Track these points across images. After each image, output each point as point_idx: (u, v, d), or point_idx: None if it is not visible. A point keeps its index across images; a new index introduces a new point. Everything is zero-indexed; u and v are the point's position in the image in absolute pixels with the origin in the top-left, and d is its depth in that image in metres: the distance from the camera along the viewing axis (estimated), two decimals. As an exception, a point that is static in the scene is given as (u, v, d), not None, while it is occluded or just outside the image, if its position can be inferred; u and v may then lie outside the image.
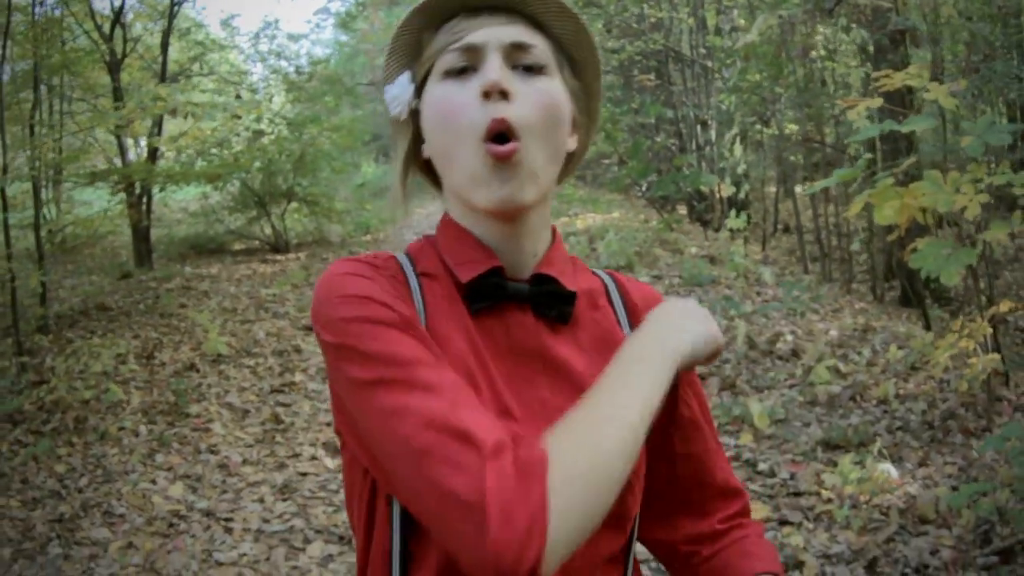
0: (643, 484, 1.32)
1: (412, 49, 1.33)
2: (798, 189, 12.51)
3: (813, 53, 10.04)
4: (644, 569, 3.98)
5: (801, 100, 10.25)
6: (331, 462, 5.96)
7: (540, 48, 1.25)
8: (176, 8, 13.34)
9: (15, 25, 9.08)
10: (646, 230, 12.87)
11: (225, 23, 19.65)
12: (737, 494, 1.47)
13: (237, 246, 15.14)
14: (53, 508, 5.26)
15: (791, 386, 6.48)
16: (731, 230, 11.42)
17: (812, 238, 11.50)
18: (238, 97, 14.99)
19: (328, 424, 6.48)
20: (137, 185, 12.22)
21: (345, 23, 28.44)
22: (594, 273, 1.44)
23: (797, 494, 4.83)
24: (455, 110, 1.21)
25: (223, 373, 7.82)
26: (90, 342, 8.20)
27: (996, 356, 5.16)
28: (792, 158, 12.15)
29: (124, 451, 6.11)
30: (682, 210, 15.27)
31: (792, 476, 5.02)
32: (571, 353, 1.28)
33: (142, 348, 8.31)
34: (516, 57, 1.23)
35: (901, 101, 6.64)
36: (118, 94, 11.95)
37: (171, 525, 5.10)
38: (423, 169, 1.39)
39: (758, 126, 12.53)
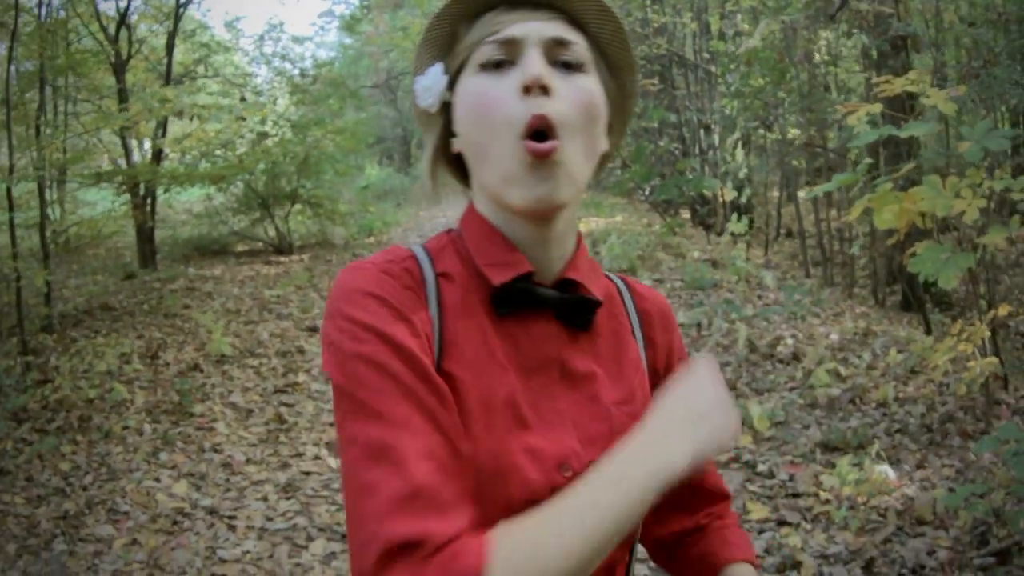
0: None
1: (446, 40, 1.28)
2: (801, 194, 12.54)
3: (817, 58, 10.09)
4: (644, 569, 4.02)
5: (804, 105, 10.28)
6: (334, 462, 5.99)
7: (579, 45, 1.22)
8: (181, 10, 13.37)
9: (21, 26, 9.11)
10: (649, 234, 12.89)
11: (230, 25, 19.67)
12: (725, 497, 1.50)
13: (241, 248, 15.17)
14: (58, 505, 5.30)
15: (791, 389, 6.51)
16: (733, 234, 11.45)
17: (814, 242, 11.53)
18: (243, 99, 15.03)
19: (331, 424, 6.52)
20: (142, 186, 12.26)
21: (349, 26, 28.48)
22: (608, 277, 1.41)
23: (796, 495, 4.86)
24: (492, 104, 1.17)
25: (227, 373, 7.86)
26: (94, 342, 8.25)
27: (994, 360, 5.19)
28: (795, 163, 12.18)
29: (128, 449, 6.15)
30: (685, 214, 15.30)
31: (791, 477, 5.06)
32: (589, 364, 1.26)
33: (146, 348, 8.35)
34: (555, 53, 1.20)
35: (902, 106, 6.68)
36: (123, 95, 11.99)
37: (175, 523, 5.14)
38: (450, 164, 1.35)
39: (761, 131, 12.56)
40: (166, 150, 13.22)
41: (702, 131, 13.84)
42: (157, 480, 5.71)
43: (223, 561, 4.67)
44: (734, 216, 11.51)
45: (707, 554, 1.42)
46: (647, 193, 13.86)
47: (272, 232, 14.87)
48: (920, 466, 5.01)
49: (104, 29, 12.01)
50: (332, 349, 1.12)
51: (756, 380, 6.77)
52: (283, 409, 6.97)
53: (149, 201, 12.64)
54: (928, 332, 7.46)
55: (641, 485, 1.04)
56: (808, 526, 4.51)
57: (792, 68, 9.81)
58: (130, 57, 12.56)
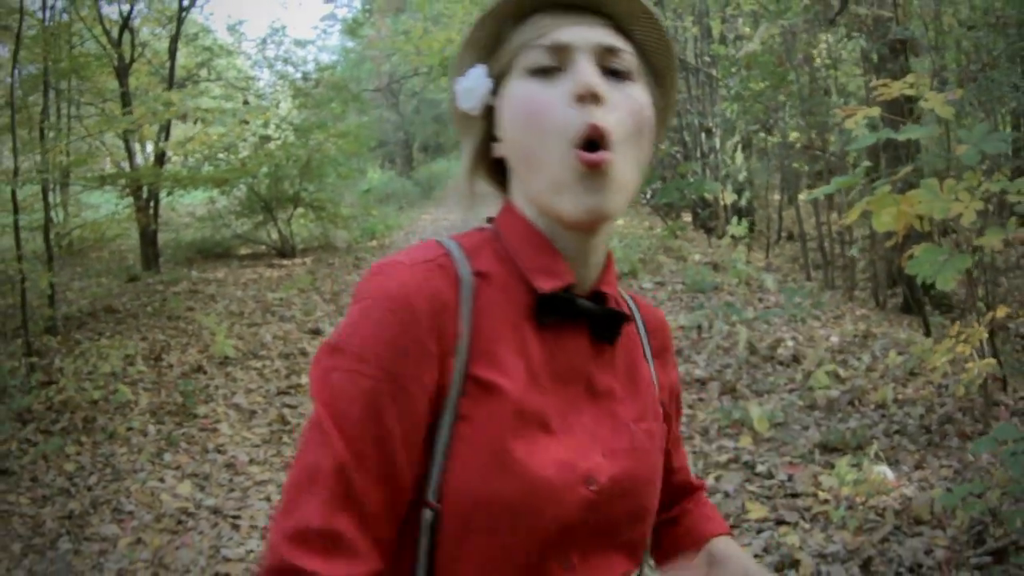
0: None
1: (489, 42, 1.25)
2: (800, 197, 12.58)
3: (817, 61, 10.12)
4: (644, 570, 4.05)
5: (804, 108, 10.32)
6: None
7: (628, 52, 1.20)
8: (184, 14, 13.41)
9: (24, 30, 9.15)
10: (650, 237, 12.92)
11: (232, 29, 19.68)
12: (699, 488, 1.54)
13: (243, 250, 15.21)
14: (62, 505, 5.35)
15: (791, 390, 6.54)
16: (733, 237, 11.48)
17: (815, 245, 11.56)
18: (246, 103, 15.05)
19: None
20: (145, 189, 12.31)
21: (352, 29, 28.50)
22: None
23: (794, 495, 4.89)
24: (542, 111, 1.15)
25: (230, 375, 7.90)
26: (98, 343, 8.28)
27: (992, 361, 5.22)
28: (796, 166, 12.21)
29: (133, 450, 6.19)
30: (686, 217, 15.31)
31: (790, 478, 5.09)
32: (609, 380, 1.25)
33: (150, 350, 8.39)
34: (605, 60, 1.17)
35: (901, 110, 6.71)
36: (126, 99, 12.04)
37: (179, 522, 5.18)
38: (488, 168, 1.32)
39: (762, 134, 12.59)
40: (169, 153, 13.25)
41: (703, 134, 13.87)
42: (161, 480, 5.75)
43: (227, 560, 4.71)
44: (735, 219, 11.54)
45: (691, 531, 1.47)
46: (648, 196, 13.89)
47: (275, 235, 14.91)
48: (918, 467, 5.04)
49: (107, 33, 12.06)
50: (323, 358, 1.12)
51: (756, 382, 6.81)
52: (286, 410, 7.01)
53: (152, 204, 12.68)
54: (928, 334, 7.48)
55: None
56: (806, 526, 4.54)
57: (792, 72, 9.85)
58: (133, 61, 12.60)
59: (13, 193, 8.23)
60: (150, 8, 13.70)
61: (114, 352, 7.82)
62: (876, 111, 4.72)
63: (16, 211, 8.24)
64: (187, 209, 16.47)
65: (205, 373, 7.89)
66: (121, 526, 5.10)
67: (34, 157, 9.82)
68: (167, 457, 6.13)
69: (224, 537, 4.97)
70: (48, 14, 9.99)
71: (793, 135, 11.23)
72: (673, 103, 1.34)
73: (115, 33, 12.18)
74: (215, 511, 5.33)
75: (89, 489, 5.61)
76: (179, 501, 5.44)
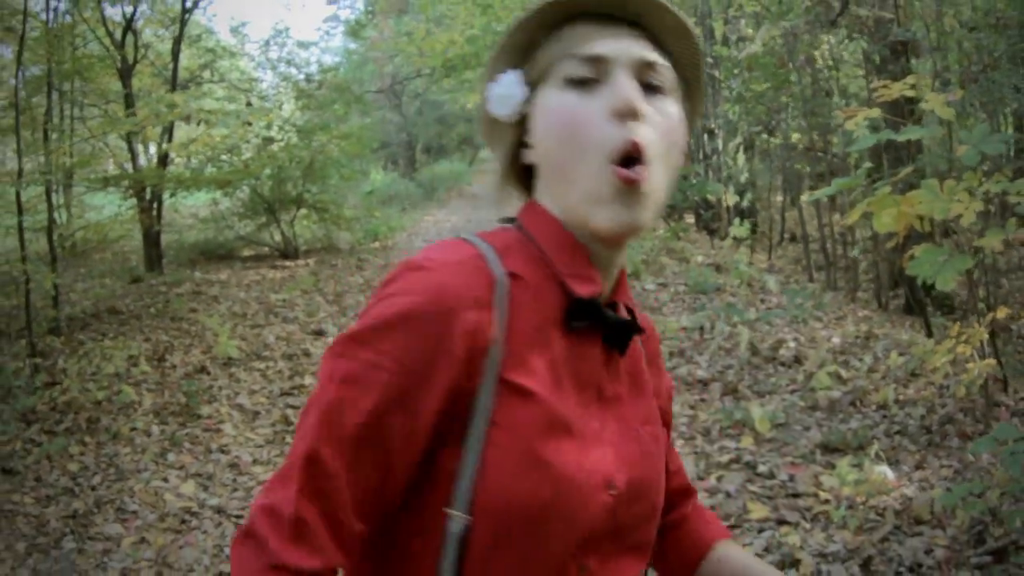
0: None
1: (524, 47, 1.24)
2: (803, 198, 12.59)
3: (819, 63, 10.13)
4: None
5: (806, 109, 10.33)
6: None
7: (665, 67, 1.20)
8: (187, 15, 13.44)
9: (28, 31, 9.17)
10: (653, 238, 12.92)
11: (235, 30, 19.77)
12: (692, 493, 1.53)
13: (247, 252, 15.23)
14: (67, 505, 5.37)
15: (792, 391, 6.56)
16: (735, 238, 11.50)
17: (817, 247, 11.57)
18: (248, 104, 15.08)
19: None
20: (148, 190, 12.34)
21: (355, 31, 28.52)
22: None
23: (795, 495, 4.91)
24: (580, 124, 1.14)
25: (233, 376, 7.92)
26: (102, 344, 8.31)
27: (992, 362, 5.23)
28: (798, 167, 12.23)
29: (136, 450, 6.22)
30: (689, 219, 15.33)
31: (791, 478, 5.10)
32: (617, 386, 1.25)
33: (153, 351, 8.42)
34: (643, 74, 1.17)
35: (903, 111, 6.73)
36: (129, 100, 12.07)
37: (183, 521, 5.20)
38: (516, 172, 1.31)
39: (764, 135, 12.60)
40: (172, 155, 13.28)
41: (706, 136, 13.88)
42: (165, 480, 5.77)
43: (230, 559, 4.73)
44: (737, 221, 11.56)
45: (693, 535, 1.47)
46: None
47: (278, 237, 14.94)
48: (919, 467, 5.05)
49: (110, 34, 12.09)
50: (349, 342, 1.10)
51: (758, 383, 6.82)
52: (289, 411, 7.03)
53: (155, 205, 12.70)
54: (929, 335, 7.49)
55: None
56: (807, 525, 4.56)
57: (794, 73, 9.87)
58: (136, 62, 12.63)
59: (17, 194, 8.26)
60: (153, 10, 13.73)
61: (118, 353, 7.84)
62: (877, 112, 4.74)
63: (20, 212, 8.27)
64: (190, 211, 16.51)
65: (208, 374, 7.92)
66: (125, 525, 5.13)
67: (38, 158, 9.84)
68: (171, 457, 6.15)
69: (228, 536, 4.99)
70: (51, 16, 10.01)
71: (795, 136, 11.25)
72: (699, 115, 1.35)
73: (118, 35, 12.21)
74: (219, 511, 5.35)
75: (93, 489, 5.63)
76: (183, 501, 5.46)
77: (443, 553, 1.08)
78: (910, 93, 4.76)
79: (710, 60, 13.61)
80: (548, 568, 1.11)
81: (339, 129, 15.27)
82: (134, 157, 13.01)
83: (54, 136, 10.40)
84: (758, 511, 4.67)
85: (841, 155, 9.86)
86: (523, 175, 1.30)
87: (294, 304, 10.75)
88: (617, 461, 1.19)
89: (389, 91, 28.52)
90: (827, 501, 4.73)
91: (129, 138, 12.43)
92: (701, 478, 5.24)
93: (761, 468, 5.30)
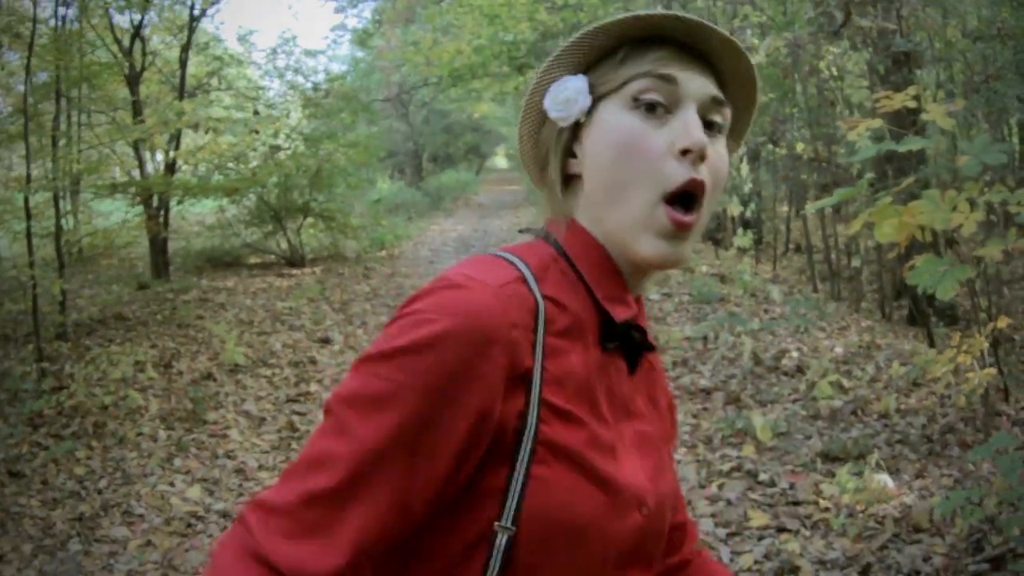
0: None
1: (596, 55, 1.22)
2: (806, 208, 12.61)
3: (824, 73, 10.16)
4: None
5: (811, 119, 10.36)
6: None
7: (728, 109, 1.21)
8: (195, 23, 13.50)
9: (36, 38, 9.21)
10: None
11: (242, 39, 19.77)
12: (693, 526, 1.50)
13: (253, 260, 15.27)
14: (73, 508, 5.40)
15: (794, 400, 6.59)
16: (739, 248, 11.53)
17: (822, 258, 11.60)
18: (256, 112, 15.12)
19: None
20: (155, 197, 12.38)
21: (362, 40, 28.64)
22: None
23: (796, 503, 4.94)
24: (644, 153, 1.14)
25: (240, 382, 7.96)
26: (108, 350, 8.34)
27: (992, 371, 5.26)
28: (803, 178, 12.25)
29: (143, 455, 6.25)
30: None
31: (791, 486, 5.13)
32: (641, 405, 1.27)
33: (160, 357, 8.46)
34: (709, 111, 1.18)
35: (905, 122, 6.76)
36: (137, 107, 12.13)
37: (189, 525, 5.24)
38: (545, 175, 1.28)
39: (769, 146, 12.62)
40: (179, 162, 13.34)
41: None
42: (171, 484, 5.81)
43: (235, 563, 4.76)
44: (740, 230, 11.59)
45: None
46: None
47: (284, 245, 14.97)
48: (919, 475, 5.08)
49: (118, 41, 12.13)
50: (380, 360, 1.07)
51: (760, 392, 6.85)
52: (295, 418, 7.07)
53: (162, 212, 12.74)
54: (932, 345, 7.52)
55: None
56: (807, 533, 4.59)
57: (799, 84, 9.90)
58: (144, 69, 12.68)
59: (26, 200, 8.30)
60: (161, 17, 13.77)
61: (124, 358, 7.88)
62: (879, 123, 4.77)
63: (29, 217, 8.31)
64: (197, 218, 16.54)
65: (215, 380, 7.96)
66: (131, 528, 5.16)
67: (46, 164, 9.90)
68: (177, 462, 6.19)
69: (232, 540, 5.02)
70: (60, 23, 10.06)
71: (800, 147, 11.27)
72: (734, 152, 1.33)
73: (126, 42, 12.26)
74: (224, 515, 5.39)
75: (99, 492, 5.67)
76: (189, 505, 5.50)
77: (490, 565, 1.07)
78: (911, 104, 4.79)
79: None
80: None
81: (346, 138, 15.31)
82: (141, 164, 13.05)
83: (62, 142, 10.44)
84: (758, 519, 4.70)
85: (846, 165, 9.89)
86: (562, 182, 1.26)
87: (300, 312, 10.79)
88: (648, 480, 1.20)
89: (396, 100, 28.56)
90: (827, 509, 4.76)
91: (136, 145, 12.48)
92: (703, 486, 5.27)
93: (762, 476, 5.33)
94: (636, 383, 1.26)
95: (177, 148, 13.00)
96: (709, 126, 1.17)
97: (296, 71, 17.01)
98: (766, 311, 9.29)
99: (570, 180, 1.25)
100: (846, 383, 6.66)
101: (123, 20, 12.31)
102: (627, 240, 1.16)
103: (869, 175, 5.37)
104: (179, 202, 13.05)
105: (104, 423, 6.69)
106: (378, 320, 10.36)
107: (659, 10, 1.18)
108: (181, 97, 12.97)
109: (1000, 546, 4.06)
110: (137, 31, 12.38)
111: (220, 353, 8.56)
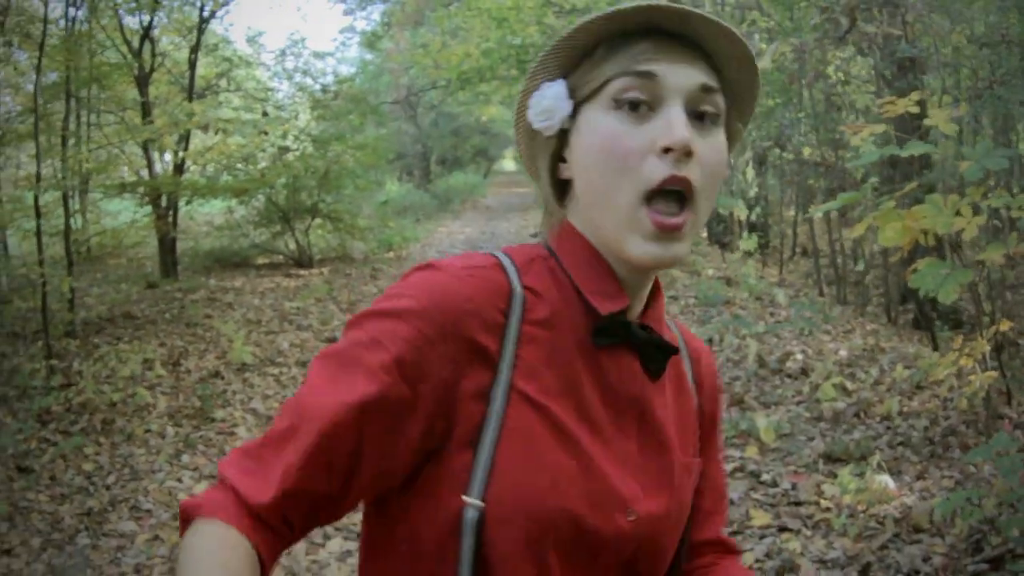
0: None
1: (574, 57, 1.18)
2: (811, 212, 12.63)
3: (831, 78, 10.19)
4: None
5: (817, 124, 10.39)
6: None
7: (720, 94, 1.15)
8: (204, 24, 13.55)
9: (47, 38, 9.26)
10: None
11: (251, 40, 19.86)
12: (730, 549, 1.44)
13: (261, 260, 15.31)
14: (81, 503, 5.45)
15: (798, 402, 6.62)
16: (745, 252, 11.56)
17: (828, 261, 11.62)
18: (264, 114, 15.16)
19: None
20: (164, 197, 12.43)
21: (370, 42, 28.68)
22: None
23: (797, 503, 4.97)
24: (625, 155, 1.10)
25: (247, 381, 8.00)
26: (117, 348, 8.38)
27: (993, 374, 5.28)
28: (810, 182, 12.28)
29: (151, 451, 6.30)
30: (701, 232, 15.37)
31: (793, 486, 5.16)
32: (663, 412, 1.23)
33: (168, 355, 8.50)
34: (697, 101, 1.13)
35: (910, 127, 6.79)
36: (146, 108, 12.17)
37: (195, 521, 5.27)
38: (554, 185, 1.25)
39: (776, 150, 12.65)
40: (188, 162, 13.38)
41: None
42: (179, 481, 5.86)
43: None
44: (745, 234, 11.62)
45: None
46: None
47: (292, 245, 15.00)
48: (920, 477, 5.11)
49: (128, 42, 12.16)
50: (369, 318, 1.12)
51: (764, 394, 6.89)
52: (301, 416, 7.09)
53: (171, 212, 12.78)
54: (935, 349, 7.54)
55: None
56: (808, 532, 4.62)
57: (805, 89, 9.93)
58: (153, 70, 12.70)
59: (35, 198, 8.35)
60: (170, 19, 13.81)
61: (133, 356, 7.92)
62: (882, 128, 4.81)
63: (38, 216, 8.36)
64: (205, 218, 16.57)
65: (223, 378, 8.00)
66: (139, 523, 5.21)
67: (55, 163, 9.95)
68: (185, 459, 6.24)
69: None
70: (70, 23, 10.11)
71: (806, 151, 11.31)
72: (739, 140, 1.29)
73: (135, 43, 12.29)
74: (230, 511, 5.42)
75: (107, 488, 5.71)
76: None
77: (462, 541, 1.08)
78: (914, 109, 4.83)
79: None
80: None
81: (354, 139, 15.36)
82: (150, 164, 13.07)
83: (71, 142, 10.49)
84: (760, 518, 4.74)
85: (852, 170, 9.92)
86: (559, 188, 1.25)
87: (308, 312, 10.83)
88: (644, 487, 1.18)
89: (404, 102, 28.59)
90: (828, 509, 4.79)
91: (145, 145, 12.52)
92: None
93: (765, 477, 5.36)
94: (659, 388, 1.23)
95: (186, 149, 13.05)
96: (701, 117, 1.13)
97: (305, 73, 17.08)
98: (771, 314, 9.33)
99: (565, 184, 1.24)
100: (850, 385, 6.69)
101: (133, 21, 12.36)
102: (617, 243, 1.14)
103: (873, 179, 5.40)
104: (188, 202, 13.09)
105: (112, 420, 6.74)
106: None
107: (632, 2, 1.09)
108: (190, 98, 13.04)
109: (999, 547, 4.09)
110: (146, 32, 12.41)
111: (228, 352, 8.60)
